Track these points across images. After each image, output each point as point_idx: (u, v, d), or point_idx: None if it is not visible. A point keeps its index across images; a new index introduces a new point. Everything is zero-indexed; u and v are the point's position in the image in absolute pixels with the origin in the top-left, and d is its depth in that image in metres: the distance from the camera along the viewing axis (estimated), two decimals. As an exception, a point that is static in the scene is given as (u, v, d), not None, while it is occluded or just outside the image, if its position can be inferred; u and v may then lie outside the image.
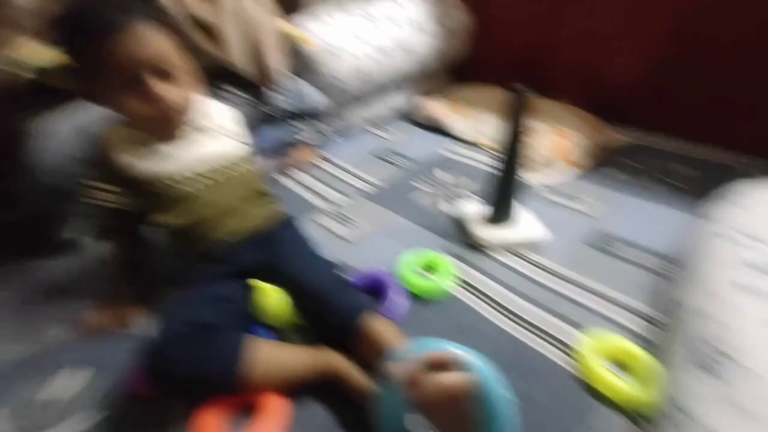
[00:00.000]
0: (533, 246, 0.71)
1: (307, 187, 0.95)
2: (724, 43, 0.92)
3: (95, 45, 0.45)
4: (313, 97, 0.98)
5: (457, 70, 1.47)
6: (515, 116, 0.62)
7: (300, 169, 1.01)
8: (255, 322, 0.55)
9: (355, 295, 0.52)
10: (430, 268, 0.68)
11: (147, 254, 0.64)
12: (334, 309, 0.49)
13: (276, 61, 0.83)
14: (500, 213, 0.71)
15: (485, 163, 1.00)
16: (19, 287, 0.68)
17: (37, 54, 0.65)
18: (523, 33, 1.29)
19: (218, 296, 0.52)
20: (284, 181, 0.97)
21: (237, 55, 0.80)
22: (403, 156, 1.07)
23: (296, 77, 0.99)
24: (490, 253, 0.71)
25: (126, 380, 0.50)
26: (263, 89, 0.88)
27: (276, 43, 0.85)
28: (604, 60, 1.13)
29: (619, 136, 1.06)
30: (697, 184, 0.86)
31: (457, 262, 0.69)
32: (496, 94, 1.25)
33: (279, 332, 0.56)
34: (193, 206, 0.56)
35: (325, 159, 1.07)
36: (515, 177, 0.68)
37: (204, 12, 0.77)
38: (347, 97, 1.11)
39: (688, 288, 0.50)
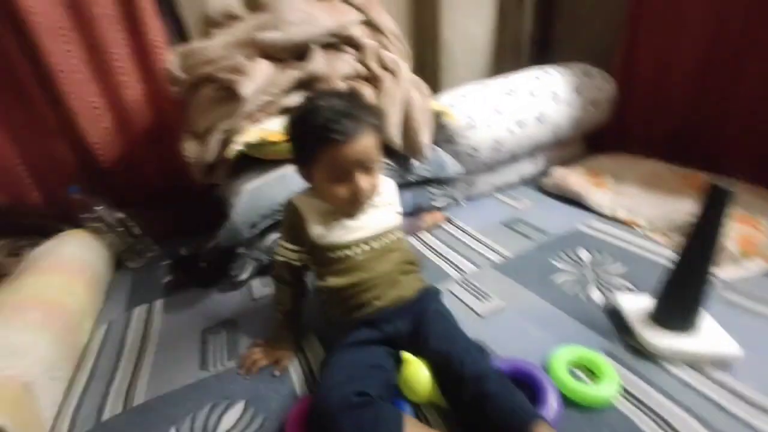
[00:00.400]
0: (719, 362, 0.59)
1: (436, 251, 0.97)
2: None
3: (324, 148, 0.55)
4: (449, 165, 1.03)
5: (594, 139, 1.39)
6: (713, 214, 0.55)
7: (429, 232, 1.05)
8: (397, 394, 0.56)
9: (520, 397, 0.49)
10: (585, 368, 0.61)
11: (304, 305, 0.72)
12: (498, 408, 0.47)
13: (426, 136, 0.91)
14: (676, 316, 0.61)
15: (637, 246, 0.90)
16: (202, 316, 0.82)
17: (251, 134, 0.82)
18: (676, 99, 1.17)
19: (372, 363, 0.55)
20: (415, 243, 1.01)
21: (395, 132, 0.89)
22: (535, 228, 1.02)
23: (436, 147, 1.06)
24: (661, 363, 0.61)
25: (284, 428, 0.55)
26: (409, 159, 0.96)
27: (427, 120, 0.93)
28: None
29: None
30: None
31: (618, 366, 0.60)
32: (647, 167, 1.14)
33: (416, 407, 0.55)
34: (356, 270, 0.61)
35: (454, 224, 1.09)
36: (701, 278, 0.58)
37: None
38: (480, 166, 1.14)
39: None
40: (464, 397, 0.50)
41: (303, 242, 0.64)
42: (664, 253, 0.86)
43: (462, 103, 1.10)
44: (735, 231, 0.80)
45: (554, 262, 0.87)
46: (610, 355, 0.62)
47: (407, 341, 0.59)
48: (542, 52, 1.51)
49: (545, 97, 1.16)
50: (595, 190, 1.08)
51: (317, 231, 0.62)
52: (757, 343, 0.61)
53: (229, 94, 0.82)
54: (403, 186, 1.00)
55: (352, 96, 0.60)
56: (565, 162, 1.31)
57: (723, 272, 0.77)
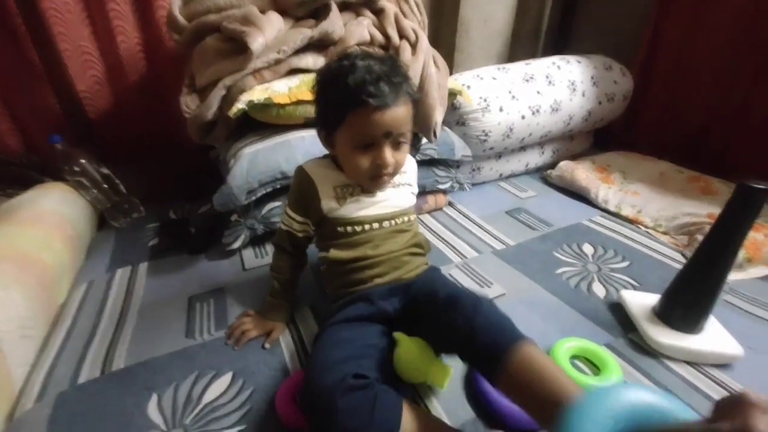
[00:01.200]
0: (721, 361, 0.58)
1: (437, 234, 0.94)
2: None
3: (357, 111, 0.50)
4: (458, 147, 0.99)
5: (608, 134, 1.37)
6: (738, 216, 0.53)
7: (431, 215, 1.02)
8: (392, 374, 0.53)
9: (510, 323, 0.46)
10: (587, 361, 0.59)
11: (300, 277, 0.68)
12: (484, 331, 0.44)
13: (440, 114, 0.87)
14: (684, 315, 0.60)
15: (641, 244, 0.89)
16: (189, 283, 0.78)
17: (256, 93, 0.77)
18: (695, 103, 1.15)
19: (368, 342, 0.52)
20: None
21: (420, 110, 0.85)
22: (539, 218, 1.00)
23: (446, 128, 1.02)
24: (662, 360, 0.60)
25: (273, 401, 0.52)
26: (420, 138, 0.92)
27: (443, 98, 0.89)
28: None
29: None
30: None
31: (619, 360, 0.59)
32: (658, 167, 1.12)
33: (411, 388, 0.54)
34: (361, 246, 0.58)
35: (456, 208, 1.06)
36: (717, 280, 0.57)
37: None
38: (488, 151, 1.10)
39: None
40: (458, 321, 0.46)
41: (311, 213, 0.60)
42: (667, 253, 0.85)
43: (478, 85, 1.05)
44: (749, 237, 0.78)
45: (557, 254, 0.86)
46: (611, 349, 0.61)
47: (402, 321, 0.56)
48: (561, 41, 1.46)
49: (562, 86, 1.12)
50: (602, 186, 1.06)
51: (329, 204, 0.58)
52: (757, 345, 0.61)
53: (235, 47, 0.76)
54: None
55: (393, 61, 0.55)
56: (573, 156, 1.29)
57: (734, 279, 0.77)
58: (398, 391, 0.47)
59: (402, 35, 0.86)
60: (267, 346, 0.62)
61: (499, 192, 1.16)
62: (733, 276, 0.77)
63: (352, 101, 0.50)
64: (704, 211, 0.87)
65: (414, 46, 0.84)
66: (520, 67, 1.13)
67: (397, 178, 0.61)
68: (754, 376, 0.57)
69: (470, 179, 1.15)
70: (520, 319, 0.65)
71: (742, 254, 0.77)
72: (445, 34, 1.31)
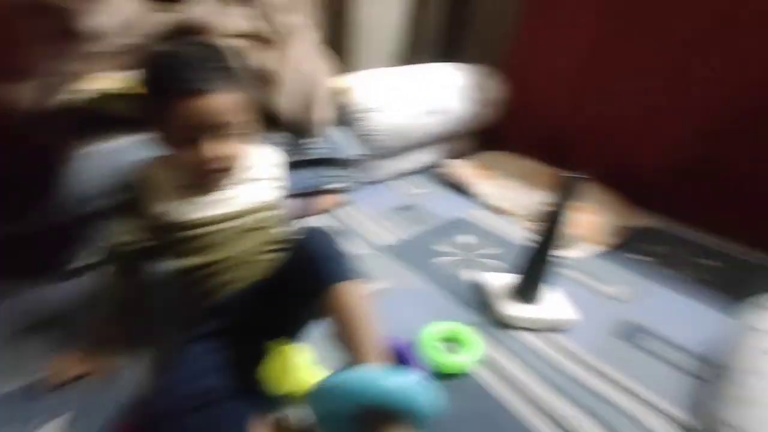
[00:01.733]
0: (560, 326, 0.68)
1: (330, 234, 0.94)
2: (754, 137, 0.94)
3: (169, 102, 0.46)
4: (349, 147, 1.01)
5: (486, 136, 1.51)
6: (562, 199, 0.62)
7: (322, 215, 1.02)
8: (251, 388, 0.50)
9: (339, 261, 0.48)
10: (455, 341, 0.64)
11: (142, 297, 0.60)
12: (313, 267, 0.47)
13: (322, 114, 0.87)
14: (529, 289, 0.69)
15: (511, 232, 0.99)
16: (14, 313, 0.64)
17: (107, 82, 0.68)
18: (555, 109, 1.33)
19: (220, 359, 0.48)
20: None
21: (286, 104, 0.83)
22: (427, 214, 1.06)
23: (337, 127, 1.02)
24: (516, 332, 0.67)
25: None
26: (303, 135, 0.91)
27: (326, 98, 0.89)
28: (632, 143, 1.15)
29: (644, 219, 1.06)
30: (721, 277, 0.85)
31: (484, 337, 0.66)
32: (527, 165, 1.27)
33: (274, 401, 0.51)
34: (203, 251, 0.53)
35: (350, 207, 1.07)
36: (550, 255, 0.66)
37: (268, 60, 0.81)
38: (380, 151, 1.14)
39: (736, 408, 0.45)
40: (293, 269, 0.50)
41: (144, 219, 0.54)
42: (532, 238, 0.97)
43: (367, 86, 1.08)
44: (583, 219, 0.93)
45: (439, 247, 0.92)
46: (477, 327, 0.67)
47: (262, 322, 0.52)
48: (451, 49, 1.58)
49: (446, 91, 1.21)
50: (483, 183, 1.17)
51: (161, 207, 0.53)
52: (592, 313, 0.72)
53: (70, 27, 0.66)
54: (297, 165, 0.95)
55: (215, 49, 0.51)
56: (459, 154, 1.40)
57: (574, 255, 0.90)
58: (259, 405, 0.45)
59: (283, 30, 0.84)
60: (100, 383, 0.53)
61: (392, 190, 1.20)
62: (575, 253, 0.90)
63: (162, 91, 0.47)
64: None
65: (295, 41, 0.83)
66: (408, 71, 1.19)
67: (243, 173, 0.56)
68: (585, 337, 0.67)
69: (364, 178, 1.17)
70: (400, 310, 0.71)
71: (580, 235, 0.91)
72: (337, 35, 1.33)
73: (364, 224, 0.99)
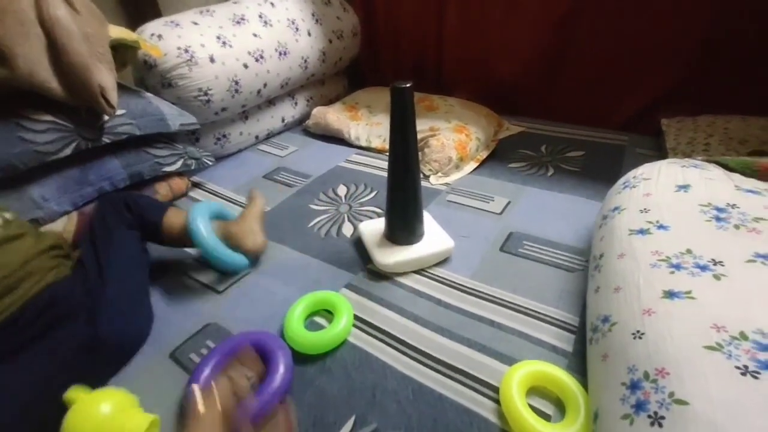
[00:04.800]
0: (441, 259, 0.63)
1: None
2: (599, 29, 0.97)
3: None
4: (171, 116, 0.80)
5: (356, 76, 1.38)
6: (400, 115, 0.54)
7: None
8: None
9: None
10: (326, 312, 0.56)
11: None
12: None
13: (106, 77, 0.64)
14: (402, 228, 0.62)
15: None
16: None
17: None
18: (409, 32, 1.24)
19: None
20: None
21: (43, 74, 0.59)
22: (298, 174, 0.94)
23: (146, 93, 0.80)
24: (397, 279, 0.61)
25: None
26: (99, 115, 0.68)
27: (102, 54, 0.66)
28: (490, 52, 1.13)
29: (512, 126, 1.07)
30: (588, 165, 0.88)
31: (357, 296, 0.58)
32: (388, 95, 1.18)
33: None
34: None
35: (204, 188, 0.89)
36: (412, 183, 0.59)
37: None
38: (221, 113, 0.94)
39: (617, 301, 0.43)
40: None
41: None
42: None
43: (174, 34, 0.85)
44: (452, 139, 0.89)
45: (312, 206, 0.81)
46: (350, 287, 0.60)
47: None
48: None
49: (282, 26, 1.02)
50: (352, 124, 1.06)
51: None
52: (470, 231, 0.69)
53: None
54: (101, 150, 0.73)
55: None
56: (329, 101, 1.26)
57: (448, 179, 0.86)
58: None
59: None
60: None
61: (257, 156, 1.04)
62: (454, 177, 0.87)
63: None
64: (427, 126, 0.95)
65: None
66: (227, 8, 0.97)
67: None
68: (466, 260, 0.64)
69: (217, 151, 0.98)
70: (263, 296, 0.59)
71: (455, 156, 0.87)
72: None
73: (223, 203, 0.83)
